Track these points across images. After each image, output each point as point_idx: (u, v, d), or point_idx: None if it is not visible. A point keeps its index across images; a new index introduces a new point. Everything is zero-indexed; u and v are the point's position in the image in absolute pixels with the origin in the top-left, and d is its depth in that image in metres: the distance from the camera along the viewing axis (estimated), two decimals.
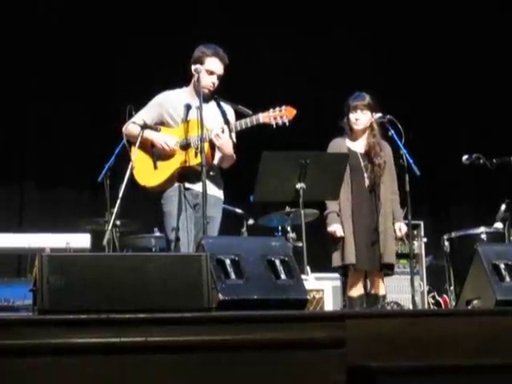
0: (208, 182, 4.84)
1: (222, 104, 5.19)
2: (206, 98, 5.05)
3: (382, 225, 5.77)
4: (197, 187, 4.98)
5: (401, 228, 5.83)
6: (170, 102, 5.14)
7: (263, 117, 5.00)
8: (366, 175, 5.80)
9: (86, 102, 8.01)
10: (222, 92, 5.27)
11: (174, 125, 5.09)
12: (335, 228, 5.76)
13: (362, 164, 5.82)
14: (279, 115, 5.00)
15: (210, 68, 5.07)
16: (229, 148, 5.04)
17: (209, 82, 5.06)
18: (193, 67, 5.07)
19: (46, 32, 8.00)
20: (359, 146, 5.90)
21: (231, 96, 5.21)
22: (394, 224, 5.84)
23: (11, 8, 7.86)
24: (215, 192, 5.11)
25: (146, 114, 5.08)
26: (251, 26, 8.43)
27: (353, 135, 5.92)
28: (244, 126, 5.01)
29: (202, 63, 5.07)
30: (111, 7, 8.09)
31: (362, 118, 5.81)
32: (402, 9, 8.72)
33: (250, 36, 8.40)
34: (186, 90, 5.21)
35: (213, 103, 5.13)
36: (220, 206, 5.20)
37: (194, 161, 4.93)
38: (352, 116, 5.84)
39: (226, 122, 5.14)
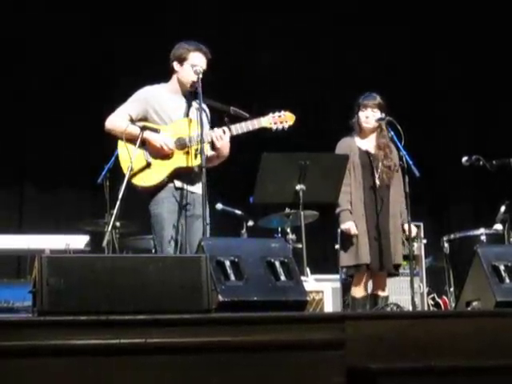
0: (198, 182, 4.83)
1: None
2: (188, 96, 5.05)
3: (392, 226, 5.78)
4: (189, 187, 4.93)
5: (409, 229, 5.83)
6: (153, 97, 5.07)
7: (264, 121, 5.00)
8: (376, 175, 5.81)
9: (85, 102, 8.00)
10: (220, 91, 5.26)
11: (161, 122, 5.02)
12: (349, 225, 5.74)
13: (373, 164, 5.83)
14: (279, 120, 5.02)
15: (195, 62, 5.04)
16: (226, 149, 5.04)
17: (194, 77, 5.03)
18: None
19: (46, 32, 8.00)
20: (369, 145, 5.91)
21: (230, 95, 5.19)
22: (402, 225, 5.85)
23: (11, 8, 7.88)
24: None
25: (131, 109, 5.02)
26: (250, 26, 8.43)
27: (362, 134, 5.93)
28: (245, 130, 4.98)
29: (185, 59, 5.05)
30: (112, 6, 8.11)
31: (371, 116, 5.83)
32: (402, 7, 8.72)
33: (250, 35, 8.41)
34: (167, 87, 5.14)
35: (193, 100, 5.04)
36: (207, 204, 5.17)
37: (192, 162, 4.89)
38: (362, 114, 5.87)
39: (207, 120, 5.11)
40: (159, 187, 4.97)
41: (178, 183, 4.98)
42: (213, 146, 5.00)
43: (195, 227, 4.86)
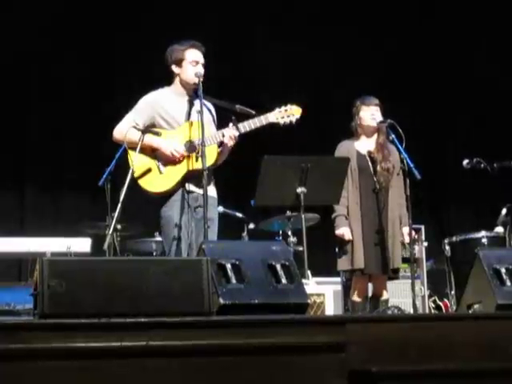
0: (209, 184, 4.83)
1: (205, 102, 5.09)
2: (194, 97, 5.07)
3: (390, 230, 5.78)
4: (200, 190, 4.89)
5: (409, 233, 5.83)
6: (158, 102, 5.09)
7: (271, 116, 4.99)
8: (374, 179, 5.81)
9: (86, 105, 8.02)
10: (219, 91, 5.27)
11: (168, 126, 5.04)
12: (344, 231, 5.76)
13: (371, 167, 5.83)
14: (286, 114, 5.01)
15: (193, 59, 5.07)
16: (230, 148, 5.04)
17: (195, 72, 5.02)
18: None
19: (47, 34, 8.01)
20: (368, 148, 5.91)
21: (230, 96, 5.20)
22: (401, 228, 5.85)
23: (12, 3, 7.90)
24: (213, 193, 5.10)
25: (137, 117, 5.04)
26: (251, 25, 8.44)
27: (363, 136, 5.94)
28: (253, 127, 4.97)
29: (182, 60, 5.07)
30: (113, 7, 8.12)
31: (376, 113, 5.85)
32: (402, 9, 8.73)
33: (251, 35, 8.42)
34: (171, 90, 5.17)
35: (197, 101, 5.02)
36: (216, 206, 5.18)
37: (201, 164, 4.83)
38: (367, 113, 5.88)
39: (213, 119, 5.14)
40: (174, 191, 4.97)
41: (188, 186, 4.98)
42: (220, 143, 5.00)
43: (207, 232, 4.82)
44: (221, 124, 5.12)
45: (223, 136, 4.94)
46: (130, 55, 8.12)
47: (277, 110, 5.03)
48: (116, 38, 8.15)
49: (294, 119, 5.03)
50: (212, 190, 5.08)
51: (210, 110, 5.15)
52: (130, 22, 8.16)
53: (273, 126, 5.06)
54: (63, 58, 8.04)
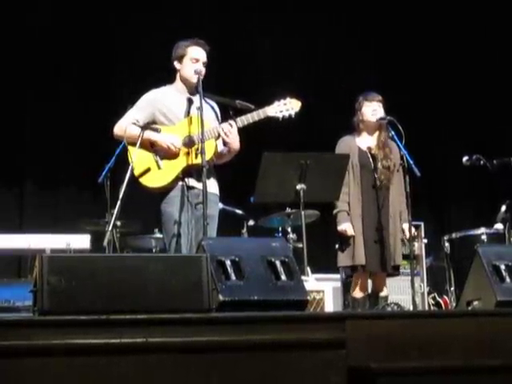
0: (209, 180, 4.84)
1: (207, 99, 5.10)
2: (192, 92, 5.07)
3: (391, 226, 5.78)
4: (200, 185, 4.85)
5: (409, 229, 5.83)
6: (159, 99, 5.09)
7: (270, 110, 4.98)
8: (376, 175, 5.82)
9: (86, 102, 8.02)
10: (218, 87, 5.27)
11: (168, 123, 5.03)
12: (346, 227, 5.77)
13: (372, 164, 5.83)
14: (285, 108, 5.00)
15: (193, 56, 5.07)
16: (236, 143, 5.02)
17: (194, 68, 5.02)
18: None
19: (47, 34, 8.01)
20: (369, 144, 5.91)
21: (228, 91, 5.20)
22: (401, 225, 5.85)
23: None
24: (215, 189, 5.09)
25: (138, 114, 5.03)
26: (250, 22, 8.44)
27: (364, 132, 5.94)
28: (251, 120, 4.96)
29: (184, 56, 5.08)
30: (110, 5, 8.12)
31: (378, 109, 5.85)
32: (402, 7, 8.73)
33: (250, 32, 8.42)
34: (172, 87, 5.17)
35: (197, 98, 5.00)
36: (218, 203, 5.18)
37: (200, 159, 4.82)
38: (368, 109, 5.89)
39: (216, 116, 5.14)
40: (173, 186, 4.97)
41: (189, 181, 4.97)
42: (224, 141, 5.01)
43: (207, 229, 4.81)
44: (223, 120, 5.12)
45: (220, 130, 4.94)
46: (129, 53, 8.11)
47: (275, 103, 5.01)
48: (113, 36, 8.14)
49: (293, 113, 5.01)
50: (214, 187, 5.07)
51: (212, 107, 5.15)
52: (126, 20, 8.15)
53: (273, 122, 5.04)
54: (64, 58, 8.03)
